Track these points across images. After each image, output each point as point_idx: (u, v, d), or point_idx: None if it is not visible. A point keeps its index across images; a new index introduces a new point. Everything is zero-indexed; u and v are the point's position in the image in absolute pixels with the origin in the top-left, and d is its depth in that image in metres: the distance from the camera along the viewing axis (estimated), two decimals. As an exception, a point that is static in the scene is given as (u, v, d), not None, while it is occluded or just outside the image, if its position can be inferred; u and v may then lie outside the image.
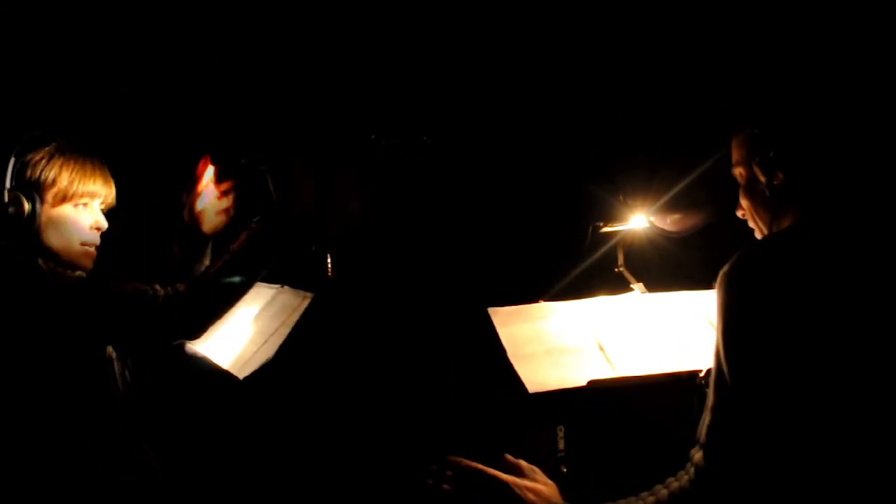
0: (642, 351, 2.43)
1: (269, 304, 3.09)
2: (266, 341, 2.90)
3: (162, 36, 2.99)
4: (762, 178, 1.82)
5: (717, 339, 1.65)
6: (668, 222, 2.67)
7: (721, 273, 1.67)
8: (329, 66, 3.24)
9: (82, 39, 2.94)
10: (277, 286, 3.12)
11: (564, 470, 2.88)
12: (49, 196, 2.26)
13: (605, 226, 2.77)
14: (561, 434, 2.87)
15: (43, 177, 2.25)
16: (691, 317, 2.57)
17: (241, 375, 2.81)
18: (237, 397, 3.03)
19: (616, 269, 2.81)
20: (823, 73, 1.85)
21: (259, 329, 3.02)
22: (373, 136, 3.25)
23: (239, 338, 3.04)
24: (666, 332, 2.50)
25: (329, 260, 3.06)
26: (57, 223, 2.27)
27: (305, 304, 2.91)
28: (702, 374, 2.38)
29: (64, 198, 2.28)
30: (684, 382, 2.36)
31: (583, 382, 2.31)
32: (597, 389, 2.31)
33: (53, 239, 2.27)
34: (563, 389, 2.29)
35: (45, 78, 3.08)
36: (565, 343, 2.45)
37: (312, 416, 3.40)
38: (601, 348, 2.44)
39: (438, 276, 3.39)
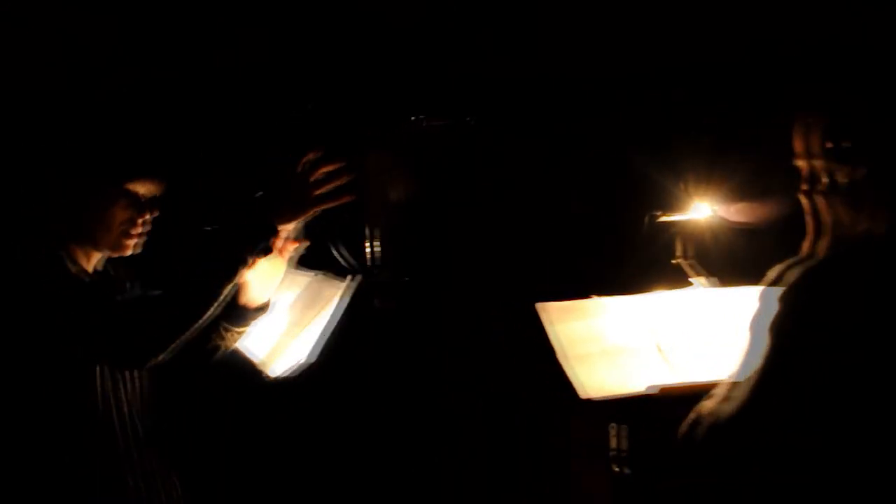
0: (706, 353, 2.24)
1: (304, 291, 2.94)
2: (300, 335, 2.73)
3: (162, 36, 2.89)
4: (839, 174, 1.64)
5: (779, 345, 1.58)
6: (735, 212, 2.46)
7: (800, 278, 1.51)
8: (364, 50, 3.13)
9: (82, 39, 2.92)
10: (312, 273, 2.97)
11: (617, 470, 2.72)
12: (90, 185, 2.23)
13: (663, 214, 2.58)
14: (614, 432, 2.70)
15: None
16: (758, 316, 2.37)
17: (272, 374, 2.64)
18: (260, 398, 2.85)
19: (675, 262, 2.61)
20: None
21: (294, 319, 2.85)
22: (413, 118, 3.10)
23: (272, 329, 2.89)
24: (733, 333, 2.30)
25: (370, 246, 2.93)
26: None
27: (343, 292, 2.74)
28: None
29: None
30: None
31: (641, 388, 2.14)
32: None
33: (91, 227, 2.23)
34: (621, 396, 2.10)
35: (44, 78, 3.02)
36: (621, 343, 2.27)
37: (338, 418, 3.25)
38: (660, 349, 2.24)
39: (483, 264, 3.22)
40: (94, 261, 2.33)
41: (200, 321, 2.14)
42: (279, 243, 2.40)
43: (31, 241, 2.22)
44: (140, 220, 2.27)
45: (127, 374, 2.25)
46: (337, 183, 2.24)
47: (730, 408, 1.68)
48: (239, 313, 2.45)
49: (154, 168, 2.31)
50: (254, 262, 2.23)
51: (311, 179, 2.23)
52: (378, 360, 3.27)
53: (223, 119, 3.15)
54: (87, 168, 2.24)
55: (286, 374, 2.63)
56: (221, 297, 2.17)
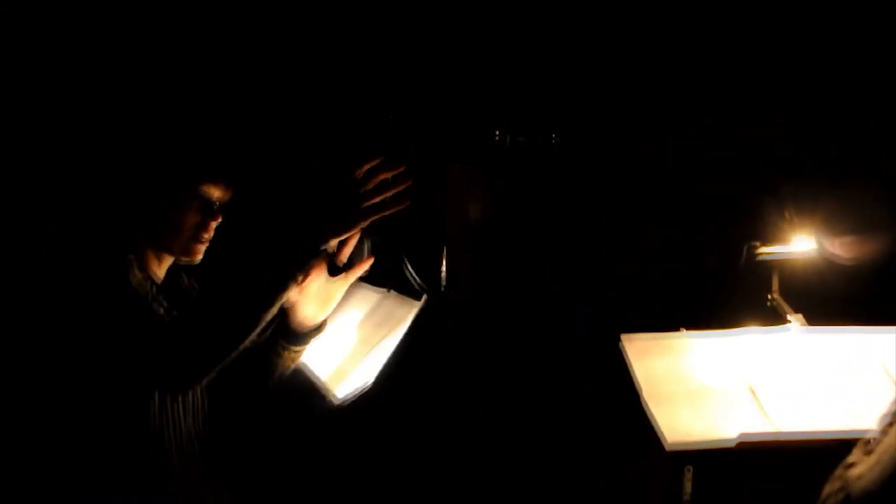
0: (805, 401, 2.05)
1: (373, 310, 2.83)
2: (368, 355, 2.62)
3: (162, 36, 2.84)
4: None
5: None
6: (841, 246, 2.27)
7: None
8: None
9: (82, 39, 2.86)
10: (384, 290, 2.86)
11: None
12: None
13: (762, 245, 2.39)
14: (689, 475, 2.50)
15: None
16: (862, 361, 2.18)
17: (336, 398, 2.52)
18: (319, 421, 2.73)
19: (770, 298, 2.42)
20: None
21: (361, 339, 2.74)
22: (497, 133, 2.97)
23: (340, 347, 2.77)
24: (832, 379, 2.11)
25: (444, 265, 2.80)
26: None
27: (413, 313, 2.62)
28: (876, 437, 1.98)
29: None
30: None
31: (732, 436, 1.94)
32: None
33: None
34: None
35: (44, 78, 2.98)
36: (711, 384, 2.10)
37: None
38: (753, 393, 2.06)
39: (564, 293, 3.06)
40: (165, 265, 2.26)
41: (245, 342, 2.03)
42: (338, 260, 2.27)
43: (97, 249, 2.13)
44: (211, 225, 2.21)
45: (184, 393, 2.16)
46: (393, 191, 2.06)
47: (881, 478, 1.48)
48: (293, 332, 2.33)
49: (228, 171, 2.25)
50: (302, 281, 2.09)
51: (362, 190, 2.07)
52: (448, 382, 3.13)
53: (236, 120, 3.06)
54: (162, 169, 2.18)
55: (349, 398, 2.50)
56: (266, 319, 2.05)
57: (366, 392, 2.47)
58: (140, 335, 1.96)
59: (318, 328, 2.35)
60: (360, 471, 3.07)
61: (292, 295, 2.14)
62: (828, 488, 1.57)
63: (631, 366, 2.11)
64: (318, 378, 2.60)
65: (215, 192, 2.21)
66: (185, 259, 2.25)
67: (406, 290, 2.80)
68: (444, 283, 2.71)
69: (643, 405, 2.04)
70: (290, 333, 2.31)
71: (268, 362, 2.33)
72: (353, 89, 3.12)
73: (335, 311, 2.97)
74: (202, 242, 2.22)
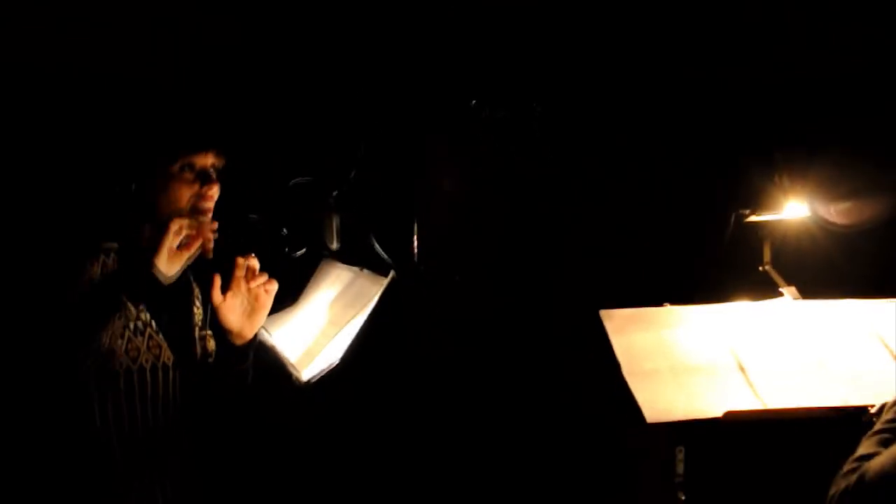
0: (795, 376, 1.93)
1: (345, 289, 2.78)
2: (336, 336, 2.53)
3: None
4: None
5: None
6: (836, 212, 2.15)
7: None
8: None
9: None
10: (357, 269, 2.79)
11: (683, 498, 2.41)
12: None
13: (751, 213, 2.27)
14: (680, 456, 2.39)
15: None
16: (858, 333, 2.06)
17: (304, 376, 2.45)
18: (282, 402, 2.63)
19: (762, 268, 2.30)
20: None
21: (332, 318, 2.70)
22: (474, 103, 2.84)
23: (311, 327, 2.73)
24: (826, 353, 1.99)
25: (415, 242, 2.69)
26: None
27: (381, 290, 2.52)
28: (872, 411, 1.85)
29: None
30: (846, 420, 1.85)
31: (718, 413, 1.82)
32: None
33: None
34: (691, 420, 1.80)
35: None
36: (696, 360, 1.97)
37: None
38: (742, 369, 1.93)
39: (544, 268, 2.93)
40: None
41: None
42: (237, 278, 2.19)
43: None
44: (207, 191, 2.17)
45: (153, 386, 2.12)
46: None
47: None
48: (232, 352, 2.25)
49: (206, 139, 2.21)
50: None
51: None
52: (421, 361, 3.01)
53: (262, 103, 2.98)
54: (145, 148, 2.16)
55: (308, 373, 2.43)
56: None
57: (332, 370, 2.37)
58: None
59: (251, 344, 2.25)
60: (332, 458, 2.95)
61: (220, 315, 2.15)
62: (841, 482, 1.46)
63: (612, 340, 1.99)
64: (286, 359, 2.56)
65: (206, 160, 2.17)
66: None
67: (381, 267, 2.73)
68: (415, 257, 2.59)
69: (626, 380, 1.92)
70: (232, 353, 2.23)
71: (231, 378, 2.25)
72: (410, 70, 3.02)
73: (308, 290, 2.89)
74: (203, 213, 2.17)
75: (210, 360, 2.24)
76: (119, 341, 2.05)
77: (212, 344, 2.27)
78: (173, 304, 2.18)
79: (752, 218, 2.30)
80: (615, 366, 2.02)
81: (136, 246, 2.12)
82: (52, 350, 1.97)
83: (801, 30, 2.71)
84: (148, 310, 2.12)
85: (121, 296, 2.02)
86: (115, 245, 2.14)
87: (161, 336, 2.14)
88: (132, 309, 2.09)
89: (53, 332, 1.96)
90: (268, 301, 2.17)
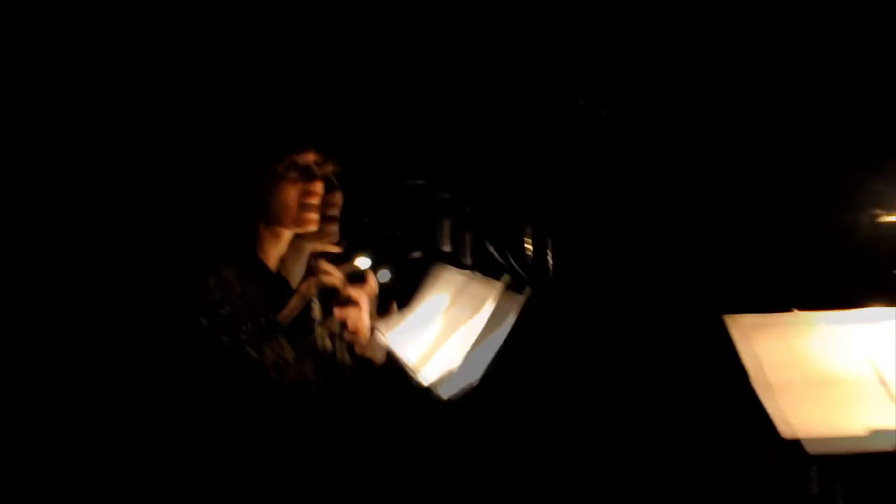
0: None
1: (459, 292, 2.73)
2: (451, 337, 2.52)
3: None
4: None
5: None
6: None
7: None
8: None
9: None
10: (468, 272, 2.78)
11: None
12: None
13: (886, 214, 2.16)
14: (815, 478, 2.28)
15: None
16: None
17: (424, 380, 2.43)
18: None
19: (896, 272, 2.20)
20: None
21: (447, 322, 2.66)
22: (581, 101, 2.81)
23: (425, 331, 2.69)
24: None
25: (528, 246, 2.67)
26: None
27: (497, 292, 2.46)
28: None
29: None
30: None
31: (861, 432, 1.74)
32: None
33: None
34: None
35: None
36: (832, 372, 1.89)
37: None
38: (884, 383, 1.83)
39: (660, 267, 2.86)
40: (284, 240, 2.36)
41: None
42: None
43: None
44: (314, 190, 2.31)
45: None
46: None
47: None
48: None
49: (310, 139, 2.34)
50: None
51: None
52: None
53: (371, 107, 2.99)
54: (251, 149, 2.30)
55: (447, 390, 2.39)
56: None
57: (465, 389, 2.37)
58: None
59: None
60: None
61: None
62: None
63: (739, 349, 1.91)
64: (405, 362, 2.56)
65: (309, 158, 2.29)
66: (300, 229, 2.34)
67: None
68: (530, 263, 2.56)
69: (756, 392, 1.84)
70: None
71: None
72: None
73: (421, 293, 2.88)
74: (311, 210, 2.30)
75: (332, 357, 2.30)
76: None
77: (328, 342, 2.32)
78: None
79: (887, 218, 2.20)
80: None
81: (252, 252, 2.24)
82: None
83: (801, 30, 2.66)
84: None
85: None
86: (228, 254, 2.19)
87: (283, 336, 2.19)
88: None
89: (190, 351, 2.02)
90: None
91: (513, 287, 2.40)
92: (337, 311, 2.36)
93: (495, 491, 2.96)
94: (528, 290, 2.38)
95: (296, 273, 2.40)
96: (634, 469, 2.93)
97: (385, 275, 2.92)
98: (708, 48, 2.85)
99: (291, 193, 2.30)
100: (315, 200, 2.33)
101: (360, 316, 2.38)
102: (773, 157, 2.88)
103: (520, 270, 2.70)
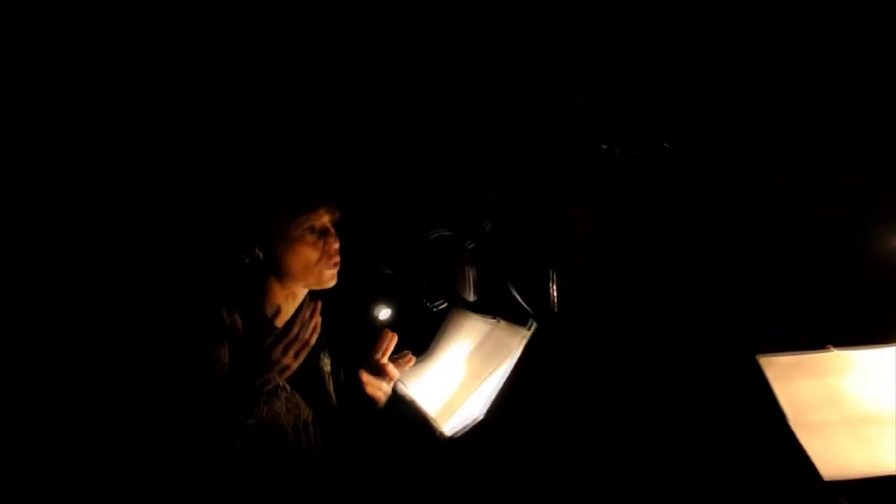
0: None
1: (483, 341, 2.70)
2: (478, 389, 2.50)
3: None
4: None
5: None
6: None
7: None
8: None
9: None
10: (493, 320, 2.72)
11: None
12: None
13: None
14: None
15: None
16: None
17: (447, 431, 2.42)
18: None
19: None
20: None
21: (471, 371, 2.63)
22: (603, 146, 2.80)
23: (449, 380, 2.67)
24: None
25: (554, 289, 2.65)
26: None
27: (523, 343, 2.48)
28: None
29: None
30: None
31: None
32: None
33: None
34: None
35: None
36: (870, 410, 1.87)
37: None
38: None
39: (688, 309, 2.85)
40: (301, 297, 2.34)
41: None
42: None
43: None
44: (332, 249, 2.30)
45: None
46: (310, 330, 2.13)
47: None
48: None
49: (325, 197, 2.32)
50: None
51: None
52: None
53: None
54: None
55: (451, 428, 2.42)
56: None
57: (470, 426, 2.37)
58: None
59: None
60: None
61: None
62: None
63: (775, 390, 1.92)
64: (426, 412, 2.54)
65: (323, 217, 2.28)
66: (322, 286, 2.33)
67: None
68: (554, 306, 2.54)
69: (794, 433, 1.85)
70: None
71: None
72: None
73: (442, 341, 2.86)
74: (331, 268, 2.30)
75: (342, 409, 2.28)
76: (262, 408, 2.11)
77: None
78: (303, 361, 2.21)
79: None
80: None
81: (262, 313, 2.22)
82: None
83: (801, 30, 2.65)
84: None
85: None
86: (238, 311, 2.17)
87: (297, 396, 2.16)
88: None
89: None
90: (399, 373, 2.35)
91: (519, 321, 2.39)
92: (365, 379, 2.32)
93: (495, 491, 2.97)
94: (534, 326, 2.38)
95: (286, 312, 2.35)
96: (634, 469, 2.95)
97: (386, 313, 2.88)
98: (708, 48, 2.83)
99: (311, 255, 2.29)
100: (336, 258, 2.32)
101: (384, 385, 2.36)
102: (773, 157, 2.87)
103: (527, 308, 2.67)
